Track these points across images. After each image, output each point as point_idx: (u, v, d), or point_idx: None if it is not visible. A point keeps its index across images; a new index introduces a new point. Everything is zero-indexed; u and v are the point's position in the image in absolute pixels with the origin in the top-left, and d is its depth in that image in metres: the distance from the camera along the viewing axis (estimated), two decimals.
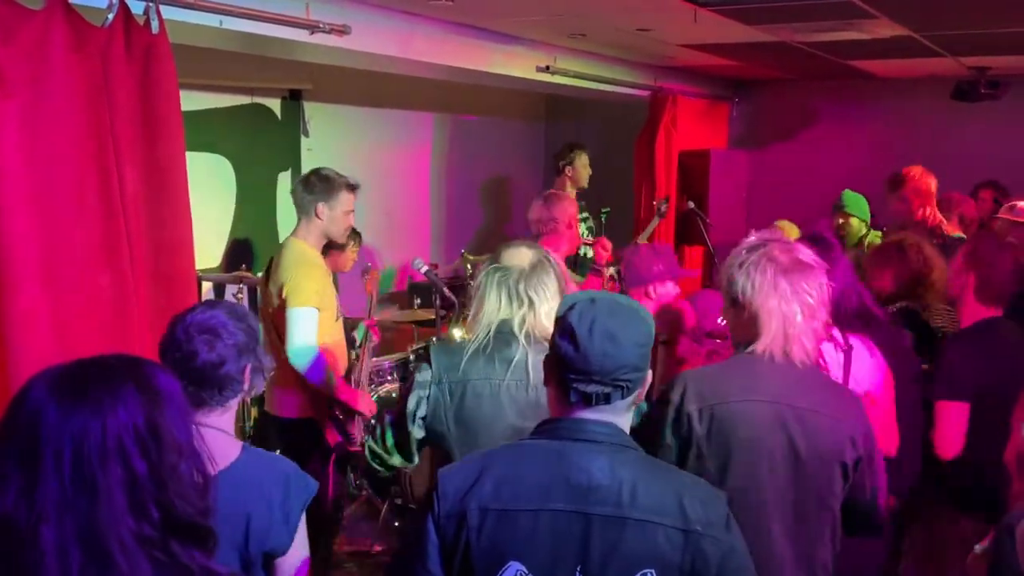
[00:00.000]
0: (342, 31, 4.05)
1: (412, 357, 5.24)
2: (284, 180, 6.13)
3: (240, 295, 4.84)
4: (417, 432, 2.50)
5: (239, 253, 5.67)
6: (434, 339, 4.86)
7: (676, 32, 5.11)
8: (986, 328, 3.20)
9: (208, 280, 5.18)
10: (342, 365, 3.85)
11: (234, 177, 5.78)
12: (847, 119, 7.62)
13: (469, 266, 5.86)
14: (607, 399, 1.74)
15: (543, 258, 2.55)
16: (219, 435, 2.07)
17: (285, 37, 3.91)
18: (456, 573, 1.74)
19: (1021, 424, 2.04)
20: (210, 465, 1.45)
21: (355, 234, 5.47)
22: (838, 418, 2.22)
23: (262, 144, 5.95)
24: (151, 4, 3.16)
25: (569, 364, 1.73)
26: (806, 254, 2.28)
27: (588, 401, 1.74)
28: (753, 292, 2.23)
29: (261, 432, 4.66)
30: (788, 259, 2.24)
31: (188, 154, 5.19)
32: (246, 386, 2.11)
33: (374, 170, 6.77)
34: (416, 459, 2.56)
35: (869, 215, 5.26)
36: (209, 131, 5.52)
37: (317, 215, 3.72)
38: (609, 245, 5.41)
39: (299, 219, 3.77)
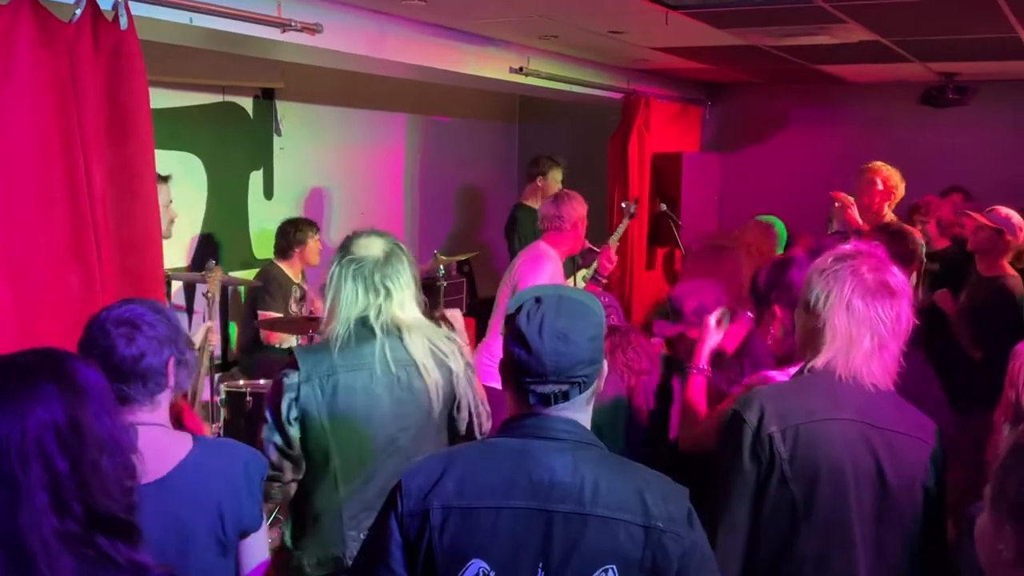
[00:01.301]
0: (314, 30, 4.04)
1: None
2: (256, 179, 6.11)
3: (210, 294, 4.81)
4: (295, 432, 2.46)
5: (209, 252, 5.63)
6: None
7: (648, 35, 5.14)
8: None
9: (177, 279, 5.15)
10: None
11: (205, 176, 5.75)
12: (818, 123, 7.71)
13: (442, 267, 5.86)
14: (565, 397, 1.75)
15: (395, 246, 2.54)
16: (163, 431, 2.05)
17: (256, 35, 3.89)
18: (419, 571, 1.74)
19: (1004, 422, 2.06)
20: (139, 460, 1.46)
21: (311, 224, 5.45)
22: (920, 438, 2.13)
23: (234, 143, 5.92)
24: (120, 0, 3.14)
25: (523, 368, 1.74)
26: (896, 278, 2.14)
27: (547, 402, 1.75)
28: (826, 304, 2.11)
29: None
30: (873, 279, 2.11)
31: (158, 152, 5.16)
32: (171, 381, 2.06)
33: (347, 170, 6.77)
34: (303, 467, 2.50)
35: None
36: (180, 129, 5.49)
37: None
38: (615, 259, 5.41)
39: None
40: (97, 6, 3.07)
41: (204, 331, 4.07)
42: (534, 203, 6.25)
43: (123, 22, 3.13)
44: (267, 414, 2.48)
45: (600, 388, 1.85)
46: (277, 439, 2.47)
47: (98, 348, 1.99)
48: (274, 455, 2.47)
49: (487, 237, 7.81)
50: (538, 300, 1.77)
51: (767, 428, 2.07)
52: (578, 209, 4.46)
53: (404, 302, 2.50)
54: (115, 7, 3.13)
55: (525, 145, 8.46)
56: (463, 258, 6.70)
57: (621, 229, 6.16)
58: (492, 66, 5.46)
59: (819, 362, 2.12)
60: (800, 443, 2.06)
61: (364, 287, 2.46)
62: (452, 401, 2.58)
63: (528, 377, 1.74)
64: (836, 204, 5.11)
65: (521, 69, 5.62)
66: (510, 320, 1.79)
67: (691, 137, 7.92)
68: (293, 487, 2.53)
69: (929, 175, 6.17)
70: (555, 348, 1.72)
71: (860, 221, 4.91)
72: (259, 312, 5.13)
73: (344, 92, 6.45)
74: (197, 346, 4.00)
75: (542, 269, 4.32)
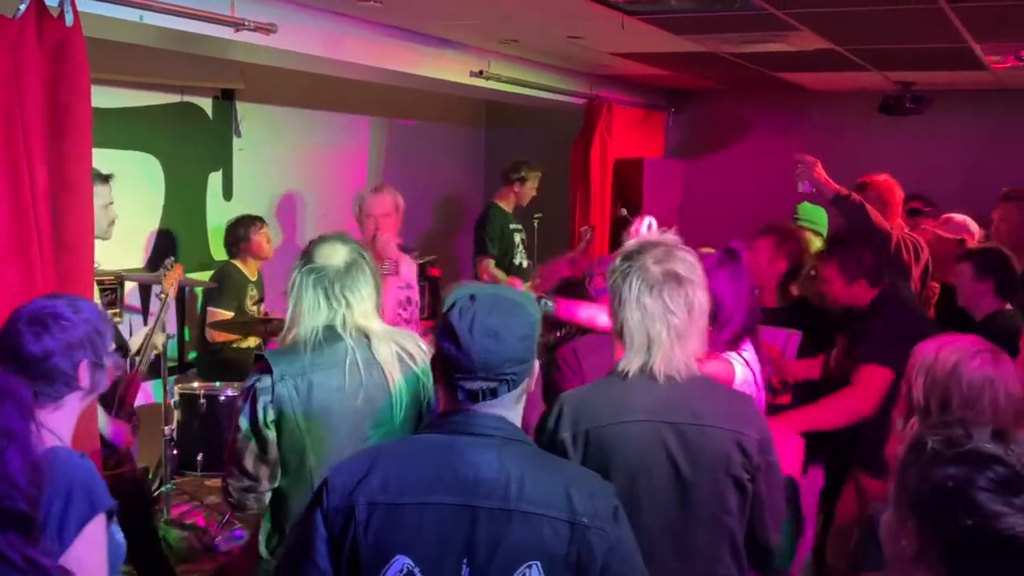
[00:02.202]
0: (268, 29, 4.01)
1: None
2: (215, 180, 6.09)
3: (163, 295, 4.78)
4: (273, 436, 2.45)
5: (166, 253, 5.58)
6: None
7: (606, 40, 5.17)
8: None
9: (132, 280, 5.11)
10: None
11: (163, 176, 5.71)
12: (779, 130, 7.77)
13: None
14: (493, 394, 1.75)
15: (358, 255, 2.54)
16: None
17: (209, 34, 3.87)
18: (344, 567, 1.74)
19: (899, 419, 2.10)
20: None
21: (254, 219, 5.43)
22: (722, 426, 2.14)
23: (192, 144, 5.89)
24: None
25: (453, 363, 1.74)
26: (684, 265, 2.16)
27: (475, 398, 1.75)
28: (620, 305, 2.15)
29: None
30: (660, 271, 2.13)
31: (116, 152, 5.18)
32: (84, 383, 2.04)
33: (309, 172, 6.75)
34: (279, 473, 2.49)
35: (826, 227, 5.25)
36: (138, 129, 5.45)
37: None
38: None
39: None
40: (42, 1, 3.04)
41: (143, 336, 4.01)
42: (506, 206, 6.41)
43: (68, 19, 3.09)
44: (241, 422, 2.45)
45: (531, 388, 1.86)
46: (254, 446, 2.45)
47: (10, 342, 1.99)
48: (251, 464, 2.45)
49: (453, 242, 7.81)
50: (472, 297, 1.78)
51: (560, 433, 2.13)
52: (364, 207, 4.33)
53: (367, 312, 2.51)
54: (61, 3, 3.10)
55: (492, 150, 8.47)
56: (423, 262, 6.69)
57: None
58: (452, 69, 5.47)
59: (623, 363, 2.16)
60: (591, 447, 2.11)
61: (325, 296, 2.47)
62: (421, 403, 2.57)
63: (458, 373, 1.75)
64: (800, 166, 4.48)
65: (481, 73, 5.63)
66: (443, 316, 1.80)
67: (655, 143, 7.97)
68: (268, 496, 2.52)
69: None
70: (484, 345, 1.73)
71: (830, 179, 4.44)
72: (209, 309, 5.11)
73: (307, 94, 6.43)
74: (134, 351, 3.94)
75: None
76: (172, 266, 4.38)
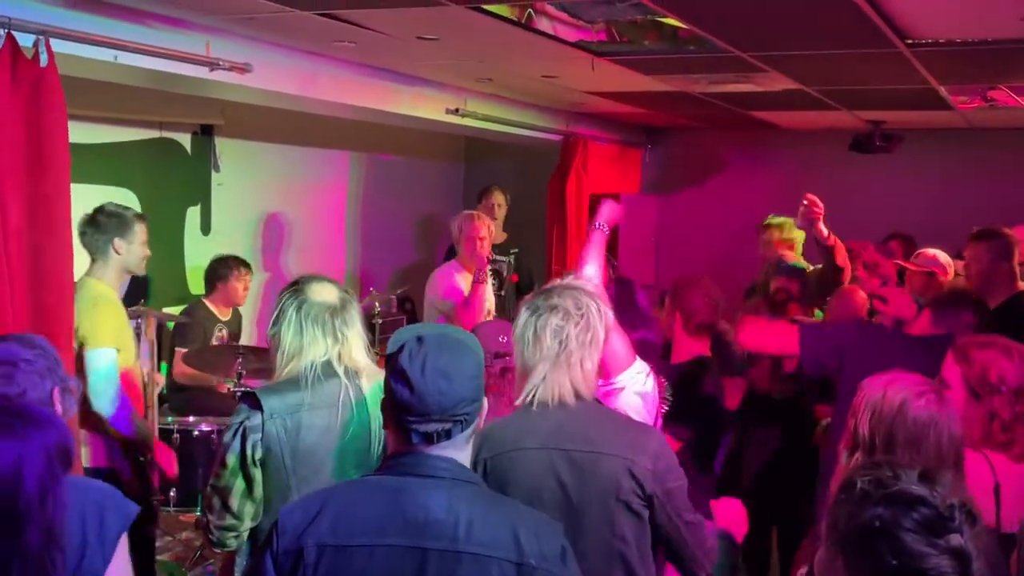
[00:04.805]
0: (244, 69, 4.08)
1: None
2: (193, 215, 6.11)
3: (138, 332, 4.79)
4: (259, 475, 2.47)
5: (142, 288, 5.61)
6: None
7: (580, 79, 5.25)
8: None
9: None
10: (140, 410, 3.77)
11: (140, 211, 5.72)
12: (752, 167, 7.89)
13: (377, 304, 5.88)
14: (448, 435, 1.78)
15: (347, 293, 2.64)
16: None
17: (184, 74, 3.93)
18: None
19: (845, 451, 2.14)
20: None
21: (239, 262, 5.44)
22: (613, 453, 2.19)
23: (171, 179, 5.92)
24: (40, 37, 3.16)
25: (406, 407, 1.76)
26: (573, 301, 2.26)
27: (430, 440, 1.78)
28: (514, 338, 2.30)
29: None
30: (545, 304, 2.26)
31: (93, 187, 5.21)
32: (59, 409, 2.09)
33: (287, 207, 6.78)
34: (261, 512, 2.50)
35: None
36: (116, 165, 5.47)
37: (116, 251, 3.64)
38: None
39: (93, 259, 3.65)
40: (16, 43, 3.08)
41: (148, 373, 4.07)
42: None
43: (43, 59, 3.15)
44: (229, 459, 2.45)
45: (480, 426, 1.90)
46: (241, 484, 2.45)
47: None
48: (236, 502, 2.45)
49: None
50: (420, 339, 1.81)
51: (480, 455, 2.22)
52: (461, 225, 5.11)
53: (360, 348, 2.58)
54: (35, 44, 3.15)
55: (470, 184, 8.53)
56: (398, 292, 6.71)
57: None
58: (428, 107, 5.54)
59: (520, 396, 2.28)
60: (490, 474, 2.22)
61: (323, 332, 2.52)
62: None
63: (411, 416, 1.77)
64: (804, 206, 4.34)
65: (458, 110, 5.70)
66: (391, 359, 1.82)
67: (631, 178, 8.07)
68: (246, 535, 2.52)
69: (860, 220, 6.32)
70: (437, 387, 1.76)
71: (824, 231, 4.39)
72: (176, 349, 5.12)
73: (286, 129, 6.47)
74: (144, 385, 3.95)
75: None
76: (144, 311, 4.37)
